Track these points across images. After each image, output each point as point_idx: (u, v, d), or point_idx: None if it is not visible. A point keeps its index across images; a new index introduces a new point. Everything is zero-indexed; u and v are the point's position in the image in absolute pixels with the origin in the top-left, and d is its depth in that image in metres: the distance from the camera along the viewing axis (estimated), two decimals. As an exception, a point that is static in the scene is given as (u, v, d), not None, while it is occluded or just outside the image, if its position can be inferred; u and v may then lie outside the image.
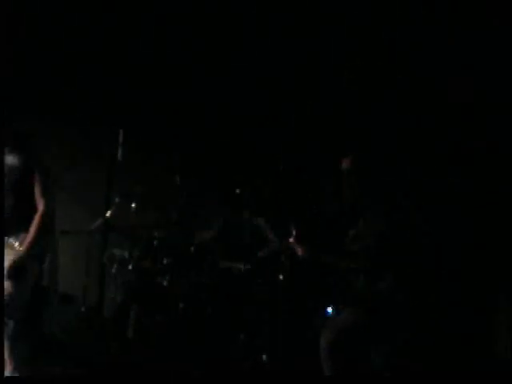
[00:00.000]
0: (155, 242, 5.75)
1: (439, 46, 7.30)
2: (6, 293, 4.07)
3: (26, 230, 4.20)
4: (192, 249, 5.70)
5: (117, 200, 5.88)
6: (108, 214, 5.88)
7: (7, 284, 4.10)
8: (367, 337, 3.97)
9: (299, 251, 4.05)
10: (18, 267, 4.12)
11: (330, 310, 5.61)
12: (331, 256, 4.05)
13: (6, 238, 4.22)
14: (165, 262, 5.68)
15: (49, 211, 4.27)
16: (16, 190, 4.28)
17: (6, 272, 4.10)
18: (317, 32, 7.20)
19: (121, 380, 4.99)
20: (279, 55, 7.15)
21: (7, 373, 4.16)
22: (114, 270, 5.92)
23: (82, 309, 5.99)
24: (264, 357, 5.49)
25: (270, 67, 7.12)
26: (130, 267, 5.77)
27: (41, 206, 4.25)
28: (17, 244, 4.15)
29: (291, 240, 4.05)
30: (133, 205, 5.85)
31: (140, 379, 5.04)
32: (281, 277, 5.68)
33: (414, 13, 7.12)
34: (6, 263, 4.13)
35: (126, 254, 5.86)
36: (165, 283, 5.58)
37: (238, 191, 5.93)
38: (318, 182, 6.52)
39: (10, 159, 4.33)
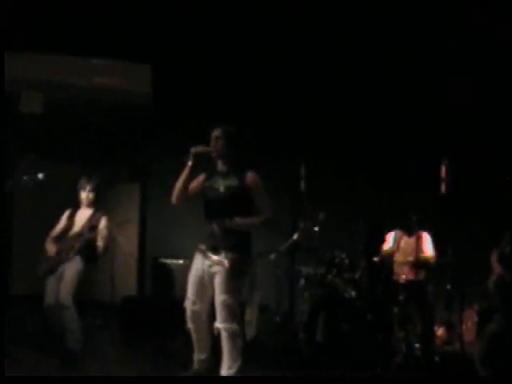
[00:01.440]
0: (337, 260, 6.41)
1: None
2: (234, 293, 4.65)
3: (237, 248, 4.66)
4: (371, 264, 6.34)
5: (302, 225, 6.62)
6: (295, 236, 6.62)
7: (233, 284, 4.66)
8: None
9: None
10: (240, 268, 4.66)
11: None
12: None
13: (212, 254, 4.70)
14: (346, 276, 6.35)
15: (269, 220, 4.72)
16: (232, 208, 4.70)
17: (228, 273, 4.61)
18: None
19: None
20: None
21: (224, 371, 4.68)
22: (300, 285, 6.64)
23: (277, 318, 6.78)
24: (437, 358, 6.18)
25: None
26: (316, 282, 6.48)
27: (265, 214, 4.73)
28: (226, 262, 4.62)
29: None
30: (316, 228, 6.58)
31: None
32: (448, 286, 6.36)
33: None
34: (223, 285, 4.63)
35: (312, 271, 6.57)
36: (346, 295, 6.23)
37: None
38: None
39: (228, 181, 4.77)
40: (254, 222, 4.76)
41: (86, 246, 5.89)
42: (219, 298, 4.69)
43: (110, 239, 6.13)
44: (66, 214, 6.15)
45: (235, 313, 4.70)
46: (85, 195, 6.05)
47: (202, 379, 4.88)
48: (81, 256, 5.87)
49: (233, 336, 4.68)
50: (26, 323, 7.26)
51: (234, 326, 4.68)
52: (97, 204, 6.11)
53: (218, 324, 4.71)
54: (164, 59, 8.17)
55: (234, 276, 4.68)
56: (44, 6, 7.53)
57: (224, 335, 4.70)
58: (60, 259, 5.86)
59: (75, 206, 6.13)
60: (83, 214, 6.08)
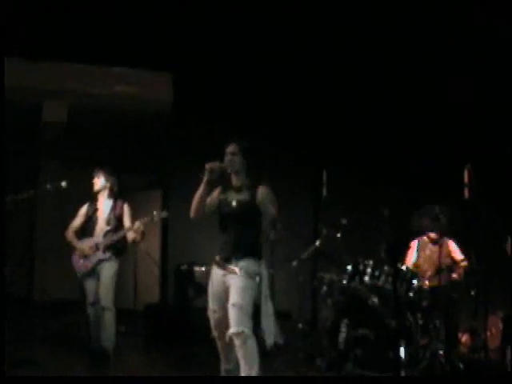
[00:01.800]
0: (360, 266, 6.34)
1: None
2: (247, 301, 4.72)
3: (247, 257, 4.77)
4: (394, 271, 6.21)
5: (324, 231, 6.61)
6: (317, 243, 6.61)
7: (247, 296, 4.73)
8: None
9: None
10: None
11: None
12: None
13: (224, 263, 4.80)
14: (369, 283, 6.28)
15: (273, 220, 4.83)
16: (243, 222, 4.85)
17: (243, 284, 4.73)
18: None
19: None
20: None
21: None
22: (323, 291, 6.57)
23: (299, 324, 6.81)
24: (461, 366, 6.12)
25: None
26: (338, 288, 6.41)
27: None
28: (237, 270, 4.74)
29: None
30: (338, 234, 6.54)
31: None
32: (472, 292, 6.31)
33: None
34: (234, 290, 4.72)
35: (334, 277, 6.50)
36: (370, 302, 6.15)
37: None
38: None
39: (241, 196, 4.85)
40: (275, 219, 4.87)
41: (118, 242, 6.01)
42: (231, 301, 4.76)
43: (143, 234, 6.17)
44: (85, 207, 6.20)
45: (245, 317, 4.72)
46: (100, 183, 6.10)
47: (212, 379, 4.98)
48: (115, 253, 6.00)
49: (243, 341, 4.67)
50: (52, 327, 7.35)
51: (245, 330, 4.68)
52: (115, 193, 6.16)
53: (230, 330, 4.71)
54: (174, 65, 8.21)
55: (244, 281, 4.77)
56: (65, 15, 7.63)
57: (236, 343, 4.71)
58: (97, 259, 5.95)
59: (93, 199, 6.18)
60: (104, 206, 6.13)
